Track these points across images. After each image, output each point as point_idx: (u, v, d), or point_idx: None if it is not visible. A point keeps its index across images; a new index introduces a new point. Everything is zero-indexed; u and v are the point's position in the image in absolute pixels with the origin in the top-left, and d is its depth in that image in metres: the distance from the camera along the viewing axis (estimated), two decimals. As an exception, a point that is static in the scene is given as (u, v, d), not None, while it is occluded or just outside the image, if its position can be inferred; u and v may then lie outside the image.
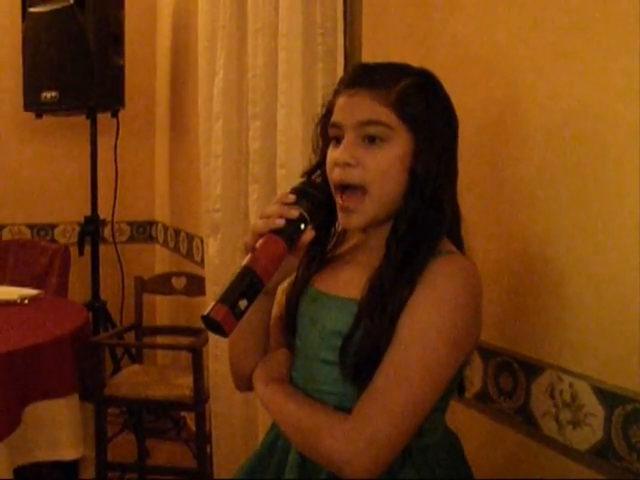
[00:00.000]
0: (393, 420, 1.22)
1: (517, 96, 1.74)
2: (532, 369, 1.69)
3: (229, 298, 1.24)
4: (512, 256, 1.76)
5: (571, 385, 1.58)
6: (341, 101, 1.35)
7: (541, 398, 1.67)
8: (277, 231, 1.31)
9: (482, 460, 1.85)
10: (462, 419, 1.91)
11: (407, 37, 2.10)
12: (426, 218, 1.31)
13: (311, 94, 2.33)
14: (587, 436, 1.55)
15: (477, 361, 1.85)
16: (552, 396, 1.63)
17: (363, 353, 1.27)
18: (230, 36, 2.84)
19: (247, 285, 1.27)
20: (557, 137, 1.63)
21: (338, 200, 1.34)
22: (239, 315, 1.24)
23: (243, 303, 1.25)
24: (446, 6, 1.95)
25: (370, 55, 2.24)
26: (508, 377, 1.76)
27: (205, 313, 1.23)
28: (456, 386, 1.39)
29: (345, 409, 1.29)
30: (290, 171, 2.34)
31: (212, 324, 1.24)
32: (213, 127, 2.96)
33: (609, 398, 1.50)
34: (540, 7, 1.66)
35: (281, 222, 1.31)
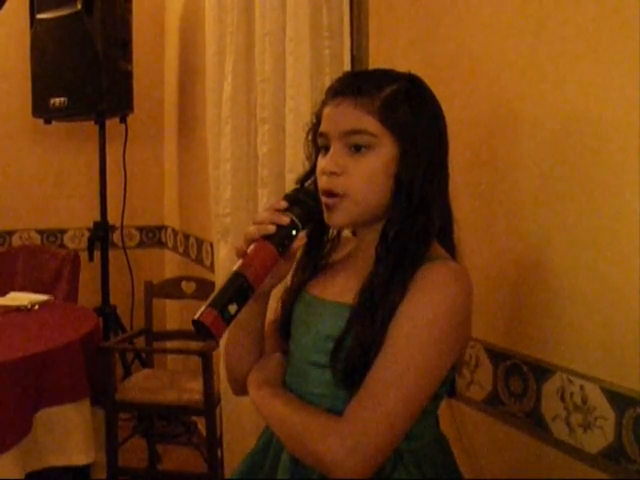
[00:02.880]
0: (384, 421, 1.23)
1: (516, 101, 1.75)
2: (542, 372, 1.69)
3: (219, 302, 1.26)
4: (520, 260, 1.76)
5: (581, 388, 1.58)
6: (327, 111, 1.38)
7: (551, 401, 1.66)
8: (268, 237, 1.34)
9: (492, 463, 1.85)
10: (472, 422, 1.91)
11: (414, 41, 2.10)
12: (415, 224, 1.33)
13: (319, 98, 2.32)
14: (598, 439, 1.54)
15: (487, 364, 1.85)
16: (562, 399, 1.63)
17: (354, 357, 1.29)
18: (238, 41, 2.85)
19: (237, 290, 1.28)
20: (552, 140, 1.65)
21: (323, 200, 1.37)
22: (228, 319, 1.26)
23: (233, 308, 1.26)
24: (452, 12, 1.95)
25: (377, 59, 2.24)
26: (518, 380, 1.76)
27: (195, 317, 1.25)
28: (446, 390, 1.41)
29: (337, 412, 1.30)
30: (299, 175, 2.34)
31: (201, 328, 1.25)
32: (222, 132, 2.96)
33: (620, 400, 1.50)
34: (542, 14, 1.67)
35: (272, 228, 1.34)
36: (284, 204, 1.37)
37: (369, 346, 1.28)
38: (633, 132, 1.45)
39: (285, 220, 1.35)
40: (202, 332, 1.26)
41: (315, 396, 1.38)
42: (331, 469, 1.24)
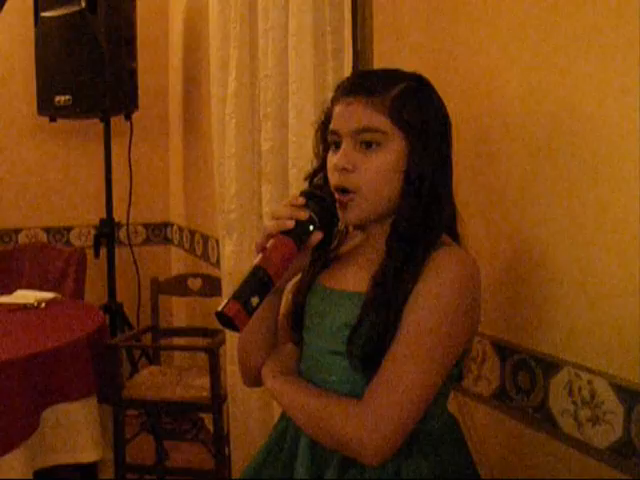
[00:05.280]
0: (401, 400, 1.29)
1: (513, 98, 1.75)
2: (550, 367, 1.68)
3: (242, 295, 1.30)
4: (526, 255, 1.75)
5: (590, 382, 1.57)
6: (339, 109, 1.43)
7: (560, 396, 1.66)
8: (287, 232, 1.38)
9: (500, 458, 1.84)
10: (480, 417, 1.90)
11: (417, 36, 2.09)
12: (425, 217, 1.39)
13: (321, 94, 2.32)
14: (607, 434, 1.54)
15: (494, 359, 1.84)
16: (571, 394, 1.62)
17: (370, 343, 1.34)
18: (241, 37, 2.84)
19: (259, 283, 1.32)
20: (545, 137, 1.66)
21: (337, 197, 1.41)
22: (251, 311, 1.30)
23: (255, 300, 1.30)
24: (455, 8, 1.94)
25: (381, 54, 2.23)
26: (526, 375, 1.75)
27: (219, 309, 1.29)
28: (457, 372, 1.46)
29: (355, 397, 1.36)
30: (302, 171, 2.32)
31: (225, 320, 1.29)
32: (226, 128, 2.96)
33: (628, 395, 1.49)
34: (542, 14, 1.67)
35: (291, 223, 1.38)
36: (302, 200, 1.41)
37: (384, 332, 1.33)
38: (628, 129, 1.46)
39: (304, 216, 1.39)
40: (225, 324, 1.30)
41: (333, 383, 1.43)
42: (354, 449, 1.30)
